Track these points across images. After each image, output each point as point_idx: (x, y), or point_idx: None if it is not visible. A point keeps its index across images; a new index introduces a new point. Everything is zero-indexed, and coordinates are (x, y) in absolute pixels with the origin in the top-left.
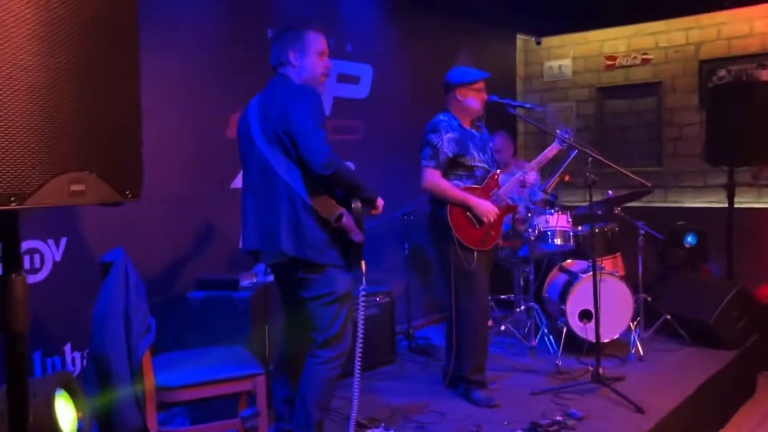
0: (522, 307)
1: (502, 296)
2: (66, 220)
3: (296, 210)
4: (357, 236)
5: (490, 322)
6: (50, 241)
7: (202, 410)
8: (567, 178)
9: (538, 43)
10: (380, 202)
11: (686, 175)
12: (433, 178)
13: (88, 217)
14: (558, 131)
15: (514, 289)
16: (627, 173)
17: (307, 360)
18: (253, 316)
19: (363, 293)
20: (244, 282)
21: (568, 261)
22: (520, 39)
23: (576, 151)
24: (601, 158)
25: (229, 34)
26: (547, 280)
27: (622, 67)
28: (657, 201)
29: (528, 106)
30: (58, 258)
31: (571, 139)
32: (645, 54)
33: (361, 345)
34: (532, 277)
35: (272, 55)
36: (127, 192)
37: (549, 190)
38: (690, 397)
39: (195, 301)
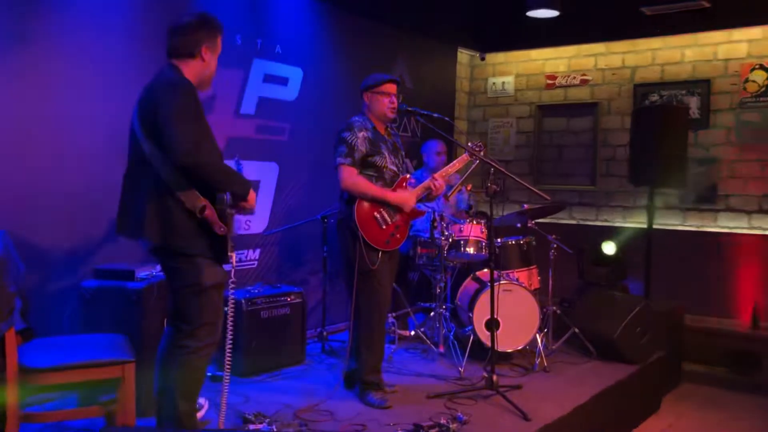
0: (432, 314)
1: (425, 303)
2: None
3: (164, 200)
4: (219, 229)
5: (407, 330)
6: None
7: None
8: (469, 187)
9: (482, 58)
10: (251, 196)
11: (617, 195)
12: (351, 176)
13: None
14: (469, 143)
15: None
16: (530, 187)
17: (174, 350)
18: (145, 307)
19: (231, 287)
20: (141, 273)
21: (484, 270)
22: (467, 54)
23: (477, 162)
24: (503, 170)
25: (151, 25)
26: (461, 288)
27: (562, 86)
28: (589, 219)
29: (436, 115)
30: None
31: (482, 152)
32: (584, 75)
33: (230, 339)
34: (442, 284)
35: (176, 42)
36: None
37: (450, 197)
38: (581, 407)
39: (88, 290)
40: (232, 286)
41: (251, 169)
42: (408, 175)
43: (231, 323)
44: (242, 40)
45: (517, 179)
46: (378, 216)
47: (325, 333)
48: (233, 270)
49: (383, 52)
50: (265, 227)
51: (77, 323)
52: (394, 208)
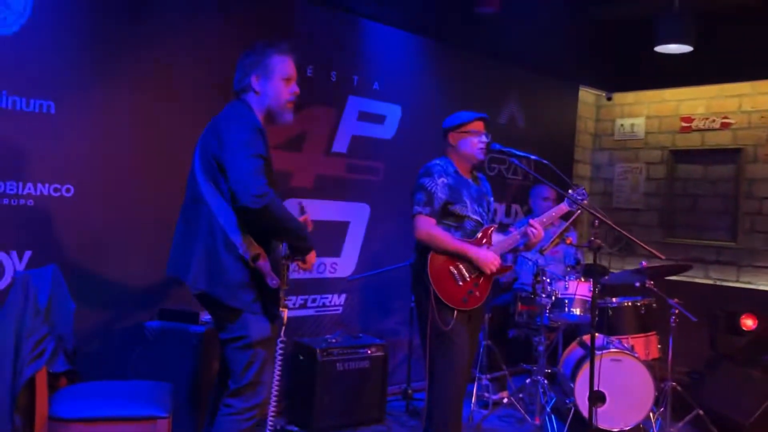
0: (528, 380)
1: (527, 365)
2: (33, 232)
3: (216, 242)
4: (272, 281)
5: (504, 393)
6: (13, 253)
7: None
8: (569, 240)
9: (609, 98)
10: (312, 256)
11: (763, 254)
12: (428, 227)
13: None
14: (570, 191)
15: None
16: (639, 243)
17: (219, 408)
18: (205, 352)
19: (281, 344)
20: (206, 317)
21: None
22: (592, 93)
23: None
24: (608, 221)
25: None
26: (565, 353)
27: (699, 130)
28: (729, 280)
29: (533, 158)
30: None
31: (584, 200)
32: (725, 117)
33: (275, 399)
34: (542, 348)
35: (234, 80)
36: None
37: (546, 252)
38: None
39: (151, 330)
40: (281, 345)
41: (340, 210)
42: (494, 226)
43: (276, 387)
44: (337, 77)
45: (623, 232)
46: (454, 270)
47: (410, 391)
48: (284, 326)
49: (493, 89)
50: (353, 271)
51: (140, 365)
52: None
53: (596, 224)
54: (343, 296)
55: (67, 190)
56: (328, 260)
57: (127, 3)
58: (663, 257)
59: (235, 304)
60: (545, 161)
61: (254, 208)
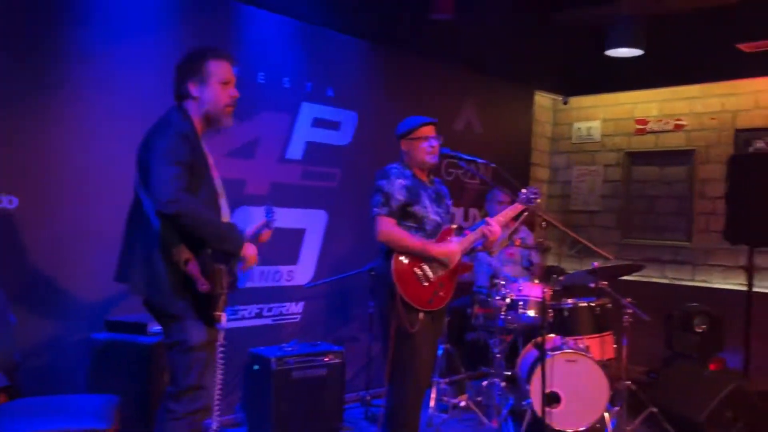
0: (485, 383)
1: (487, 368)
2: None
3: (152, 248)
4: (202, 286)
5: (464, 397)
6: None
7: None
8: (518, 242)
9: (565, 102)
10: (248, 251)
11: (717, 253)
12: (388, 227)
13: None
14: (524, 189)
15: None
16: (589, 245)
17: (160, 414)
18: (155, 363)
19: (221, 349)
20: (155, 327)
21: (549, 336)
22: (549, 98)
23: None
24: (554, 222)
25: None
26: (521, 354)
27: (654, 132)
28: (684, 279)
29: (481, 161)
30: None
31: (536, 200)
32: (678, 120)
33: (217, 405)
34: (496, 350)
35: (174, 87)
36: None
37: (495, 253)
38: None
39: (98, 343)
40: (222, 348)
41: (296, 217)
42: (453, 226)
43: (219, 393)
44: (290, 83)
45: (572, 234)
46: (419, 272)
47: (368, 397)
48: (224, 332)
49: (449, 95)
50: (310, 278)
51: (89, 378)
52: (439, 263)
53: (543, 225)
54: (301, 304)
55: (10, 202)
56: (284, 268)
57: (66, 9)
58: (612, 257)
59: (171, 309)
60: (492, 164)
61: (167, 214)
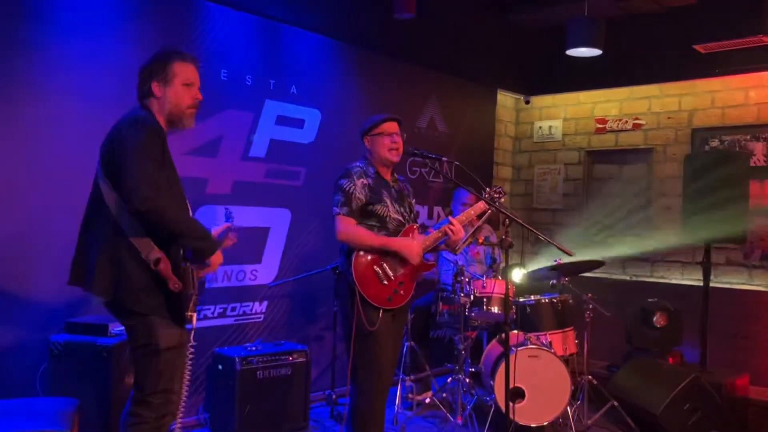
0: (450, 380)
1: (451, 365)
2: None
3: (118, 247)
4: (173, 285)
5: (429, 394)
6: None
7: None
8: (481, 239)
9: (527, 101)
10: (215, 258)
11: (675, 250)
12: (347, 227)
13: None
14: (487, 188)
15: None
16: (550, 241)
17: (125, 419)
18: (116, 365)
19: (191, 350)
20: (116, 329)
21: (513, 332)
22: (511, 97)
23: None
24: (517, 219)
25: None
26: (485, 351)
27: (613, 131)
28: (644, 275)
29: (444, 159)
30: None
31: (501, 198)
32: (637, 119)
33: (181, 408)
34: (460, 345)
35: (138, 87)
36: None
37: (459, 250)
38: None
39: (57, 344)
40: (192, 350)
41: (259, 215)
42: (416, 225)
43: (186, 394)
44: (253, 80)
45: (534, 230)
46: (378, 270)
47: (334, 396)
48: (193, 331)
49: (413, 94)
50: (274, 277)
51: (48, 381)
52: (399, 261)
53: (506, 223)
54: (265, 303)
55: None
56: (248, 267)
57: (21, 4)
58: (572, 253)
59: (139, 309)
60: (456, 162)
61: (143, 211)
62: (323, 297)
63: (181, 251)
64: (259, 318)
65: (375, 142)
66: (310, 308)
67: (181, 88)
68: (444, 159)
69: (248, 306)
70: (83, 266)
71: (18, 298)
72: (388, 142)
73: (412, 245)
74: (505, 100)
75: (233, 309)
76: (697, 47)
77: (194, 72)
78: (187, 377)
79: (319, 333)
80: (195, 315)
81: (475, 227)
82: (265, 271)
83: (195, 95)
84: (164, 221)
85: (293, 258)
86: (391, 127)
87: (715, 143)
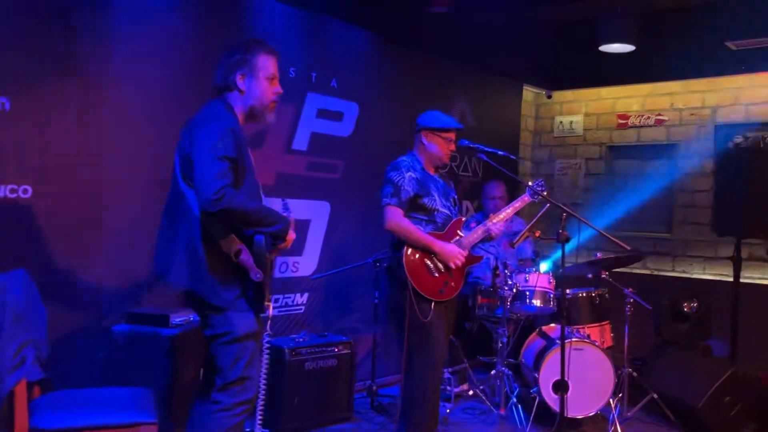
0: (493, 372)
1: (485, 358)
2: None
3: (196, 240)
4: (255, 275)
5: (465, 386)
6: None
7: None
8: (537, 233)
9: (549, 96)
10: (290, 236)
11: (696, 245)
12: (396, 217)
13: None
14: (530, 183)
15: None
16: (606, 235)
17: (206, 406)
18: (178, 356)
19: (267, 339)
20: (177, 319)
21: (551, 325)
22: (532, 91)
23: (548, 205)
24: (575, 214)
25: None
26: (526, 343)
27: (635, 126)
28: (665, 270)
29: (500, 153)
30: None
31: (544, 192)
32: (659, 115)
33: (263, 397)
34: (505, 339)
35: (218, 76)
36: None
37: (515, 245)
38: None
39: (119, 335)
40: (268, 338)
41: (301, 208)
42: (463, 218)
43: (265, 379)
44: (296, 73)
45: (592, 226)
46: (429, 263)
47: (375, 387)
48: (270, 320)
49: (444, 88)
50: (314, 270)
51: (108, 371)
52: None
53: (563, 217)
54: (306, 295)
55: (24, 191)
56: (290, 259)
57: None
58: (628, 248)
59: (217, 302)
60: (513, 156)
61: (213, 211)
62: (361, 289)
63: (263, 241)
64: (300, 309)
65: (438, 142)
66: (348, 300)
67: (265, 82)
68: (500, 153)
69: (290, 298)
70: (164, 257)
71: (75, 287)
72: (450, 147)
73: (452, 251)
74: (526, 94)
75: (276, 300)
76: (729, 44)
77: (276, 66)
78: (265, 366)
79: (356, 324)
80: (271, 304)
81: (532, 223)
82: (306, 263)
83: (277, 90)
84: (237, 216)
85: (332, 250)
86: (454, 135)
87: (739, 139)
